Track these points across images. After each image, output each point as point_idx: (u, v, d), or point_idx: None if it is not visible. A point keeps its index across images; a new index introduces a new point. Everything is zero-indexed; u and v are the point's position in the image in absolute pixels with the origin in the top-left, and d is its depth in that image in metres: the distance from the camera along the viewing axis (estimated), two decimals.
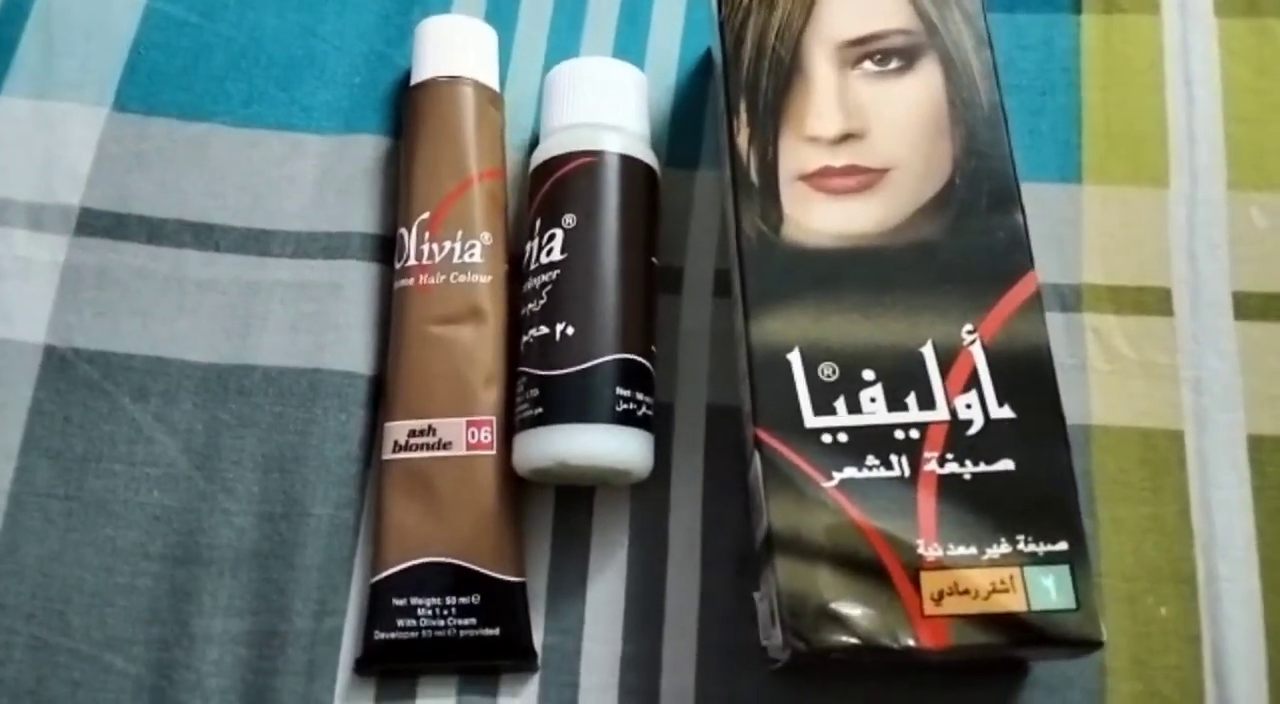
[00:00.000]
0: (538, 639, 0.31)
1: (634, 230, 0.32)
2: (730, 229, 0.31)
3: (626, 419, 0.30)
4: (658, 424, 0.32)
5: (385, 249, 0.35)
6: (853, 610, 0.26)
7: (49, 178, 0.35)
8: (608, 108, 0.33)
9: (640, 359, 0.31)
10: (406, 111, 0.35)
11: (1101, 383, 0.33)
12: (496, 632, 0.30)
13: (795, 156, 0.30)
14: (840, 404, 0.27)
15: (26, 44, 0.37)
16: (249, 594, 0.31)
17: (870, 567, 0.26)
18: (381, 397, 0.33)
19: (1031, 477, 0.27)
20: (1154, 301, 0.34)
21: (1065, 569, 0.26)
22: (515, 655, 0.30)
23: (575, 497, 0.33)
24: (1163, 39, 0.37)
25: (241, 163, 0.36)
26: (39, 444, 0.33)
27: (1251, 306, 0.34)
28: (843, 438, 0.27)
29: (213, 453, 0.32)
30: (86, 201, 0.35)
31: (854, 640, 0.25)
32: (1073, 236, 0.35)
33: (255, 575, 0.31)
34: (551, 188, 0.32)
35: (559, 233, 0.31)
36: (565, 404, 0.30)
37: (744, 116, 0.30)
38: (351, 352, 0.33)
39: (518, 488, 0.32)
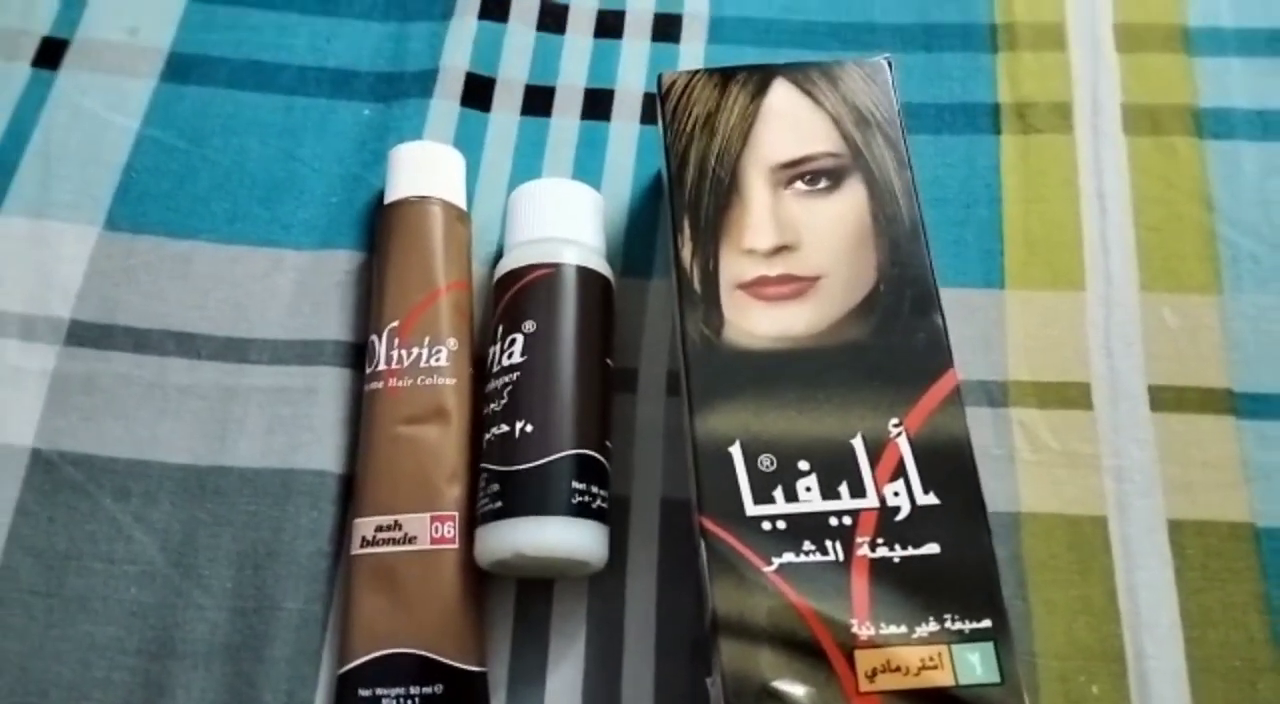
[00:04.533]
0: None
1: (589, 335, 0.34)
2: (676, 333, 0.33)
3: (583, 511, 0.32)
4: (614, 517, 0.34)
5: (357, 356, 0.37)
6: (793, 688, 0.27)
7: (42, 291, 0.38)
8: (566, 224, 0.36)
9: (596, 454, 0.33)
10: (379, 228, 0.37)
11: (1029, 472, 0.35)
12: None
13: (734, 267, 0.32)
14: (778, 493, 0.29)
15: (26, 167, 0.40)
16: (220, 687, 0.32)
17: (808, 646, 0.28)
18: (351, 494, 0.35)
19: (956, 559, 0.29)
20: (1075, 396, 0.36)
21: (990, 646, 0.28)
22: None
23: (535, 588, 0.34)
24: (1076, 156, 0.41)
25: (224, 276, 0.38)
26: (23, 543, 0.34)
27: (1166, 399, 0.36)
28: (781, 525, 0.29)
29: (189, 550, 0.34)
30: (77, 314, 0.37)
31: None
32: (998, 337, 0.37)
33: (227, 668, 0.32)
34: (513, 297, 0.35)
35: (520, 338, 0.34)
36: (524, 498, 0.32)
37: (687, 232, 0.33)
38: (324, 452, 0.35)
39: (480, 580, 0.33)
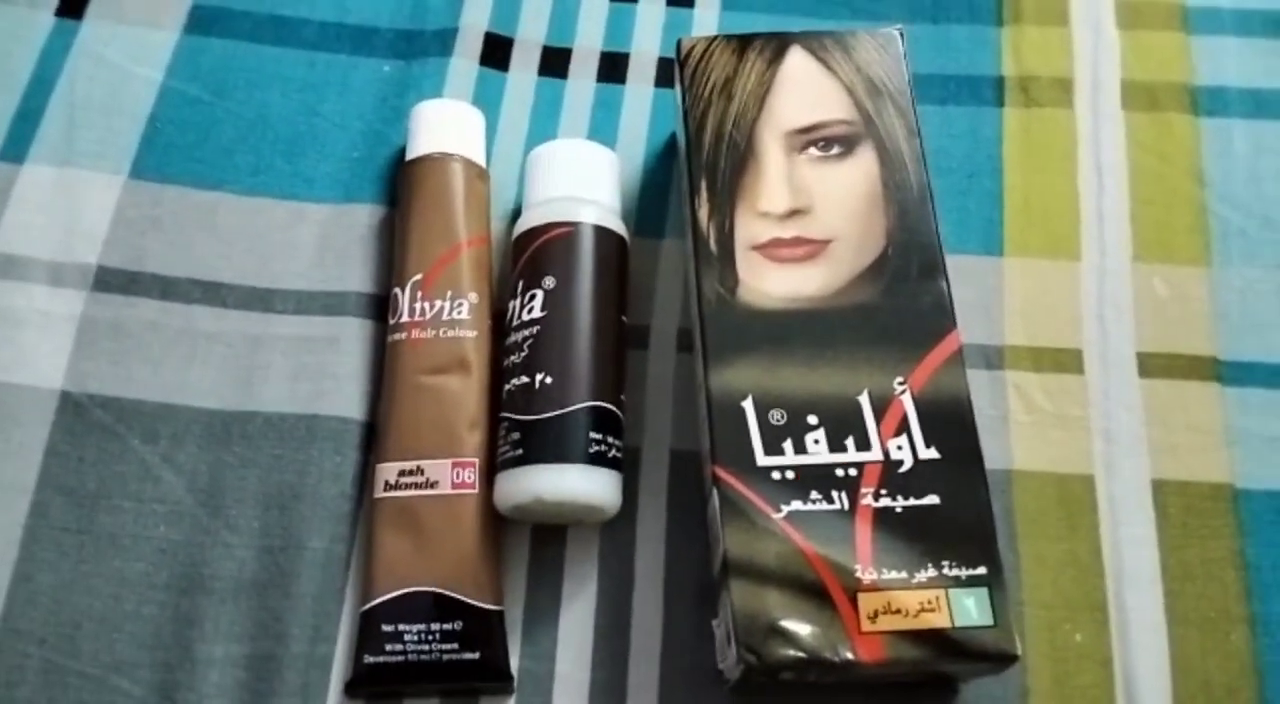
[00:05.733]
0: (514, 663, 0.34)
1: (606, 292, 0.35)
2: (691, 292, 0.34)
3: (598, 460, 0.33)
4: (625, 467, 0.35)
5: (378, 307, 0.38)
6: (798, 627, 0.29)
7: (69, 238, 0.39)
8: (583, 184, 0.37)
9: (611, 406, 0.34)
10: (402, 184, 0.38)
11: (1022, 433, 0.37)
12: (476, 656, 0.33)
13: (749, 229, 0.34)
14: (788, 445, 0.31)
15: (50, 116, 0.41)
16: (248, 621, 0.34)
17: (814, 589, 0.29)
18: (374, 440, 0.36)
19: (955, 510, 0.30)
20: (1068, 361, 0.38)
21: (985, 591, 0.29)
22: (493, 678, 0.33)
23: (550, 532, 0.36)
24: (1076, 130, 0.42)
25: (248, 227, 0.39)
26: (54, 482, 0.35)
27: (1154, 365, 0.38)
28: (790, 475, 0.31)
29: (216, 491, 0.35)
30: (104, 260, 0.38)
31: (799, 654, 0.29)
32: (996, 303, 0.39)
33: (254, 604, 0.34)
34: (533, 254, 0.36)
35: (539, 293, 0.35)
36: (543, 446, 0.33)
37: (704, 194, 0.34)
38: (347, 399, 0.36)
39: (498, 524, 0.35)
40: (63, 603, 0.34)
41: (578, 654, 0.34)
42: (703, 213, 0.34)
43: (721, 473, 0.31)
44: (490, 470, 0.34)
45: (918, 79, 0.42)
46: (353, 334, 0.37)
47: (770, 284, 0.33)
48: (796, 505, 0.30)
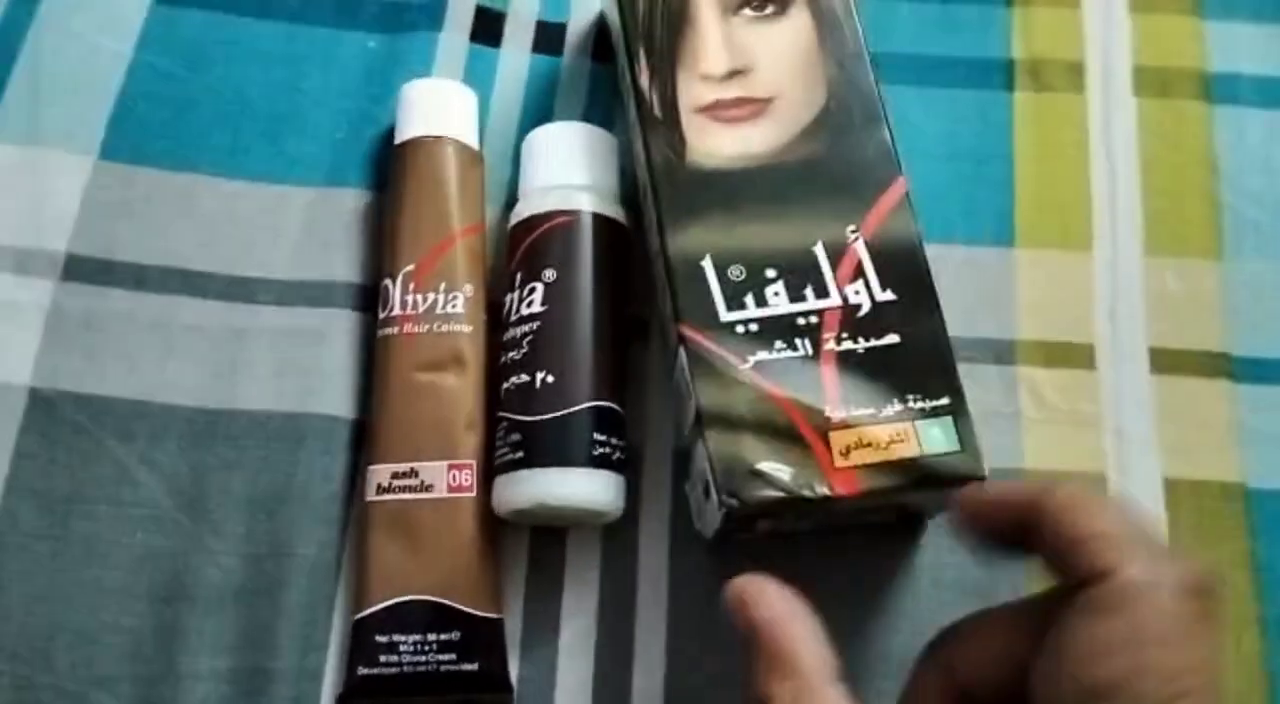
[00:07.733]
0: (514, 673, 0.32)
1: (609, 285, 0.34)
2: (640, 161, 0.34)
3: (602, 463, 0.32)
4: (627, 467, 0.34)
5: (367, 298, 0.36)
6: (775, 469, 0.29)
7: (36, 223, 0.36)
8: (582, 169, 0.35)
9: (615, 406, 0.33)
10: (392, 169, 0.36)
11: (1033, 430, 0.36)
12: (475, 666, 0.32)
13: (691, 92, 0.34)
14: (749, 299, 0.31)
15: (13, 91, 0.38)
16: (234, 632, 0.32)
17: (787, 431, 0.30)
18: (365, 440, 0.34)
19: (914, 347, 0.31)
20: (1080, 356, 0.37)
21: (949, 419, 0.30)
22: (493, 689, 0.32)
23: (549, 536, 0.34)
24: (1088, 116, 0.41)
25: (227, 212, 0.37)
26: (24, 485, 0.33)
27: (1167, 362, 0.37)
28: (754, 327, 0.31)
29: (199, 494, 0.33)
30: (73, 248, 0.36)
31: (779, 493, 0.29)
32: (1007, 296, 0.38)
33: (241, 614, 0.32)
34: (531, 244, 0.34)
35: (539, 287, 0.33)
36: (545, 449, 0.32)
37: (643, 61, 0.34)
38: (335, 396, 0.35)
39: (496, 528, 0.33)
40: (36, 614, 0.32)
41: (580, 663, 0.33)
42: (644, 80, 0.34)
43: (687, 331, 0.31)
44: (488, 472, 0.33)
45: (926, 61, 0.41)
46: (340, 327, 0.36)
47: (717, 145, 0.33)
48: (763, 355, 0.30)
